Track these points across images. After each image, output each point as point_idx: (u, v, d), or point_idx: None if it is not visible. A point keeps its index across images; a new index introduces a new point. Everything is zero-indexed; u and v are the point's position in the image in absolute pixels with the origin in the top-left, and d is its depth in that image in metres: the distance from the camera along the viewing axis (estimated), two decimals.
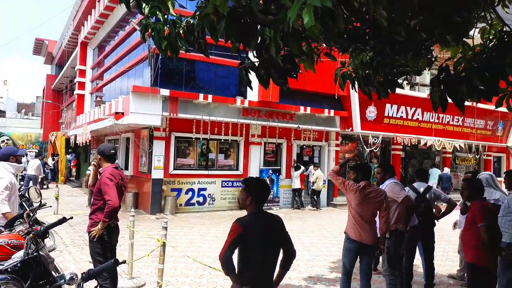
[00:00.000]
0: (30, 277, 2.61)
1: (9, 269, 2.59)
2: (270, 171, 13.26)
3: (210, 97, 11.57)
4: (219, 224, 10.13)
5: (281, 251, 2.88)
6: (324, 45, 3.88)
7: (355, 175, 4.53)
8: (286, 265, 2.92)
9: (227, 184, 12.78)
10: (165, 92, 11.05)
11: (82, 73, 20.93)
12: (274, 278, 2.86)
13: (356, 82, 4.39)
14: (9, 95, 56.32)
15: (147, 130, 11.95)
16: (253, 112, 12.53)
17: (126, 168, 13.72)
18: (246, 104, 12.20)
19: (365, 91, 4.33)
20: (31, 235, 2.79)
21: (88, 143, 16.69)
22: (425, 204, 5.22)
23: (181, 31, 3.57)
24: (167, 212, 11.29)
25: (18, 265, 2.62)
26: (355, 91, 4.53)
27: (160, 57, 11.11)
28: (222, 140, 12.81)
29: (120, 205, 4.28)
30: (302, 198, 13.66)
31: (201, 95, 11.49)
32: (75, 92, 21.28)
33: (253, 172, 12.98)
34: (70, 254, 6.71)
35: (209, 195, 12.47)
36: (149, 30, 3.55)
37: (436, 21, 3.07)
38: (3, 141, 38.63)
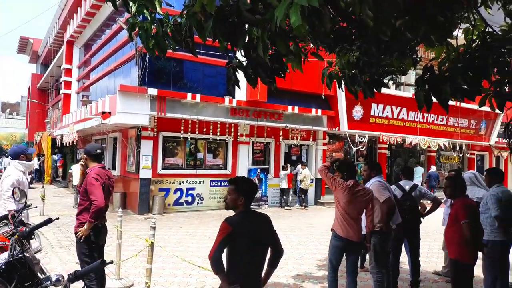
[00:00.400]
0: (15, 279, 2.56)
1: None
2: (259, 170, 13.28)
3: (198, 96, 11.54)
4: (208, 224, 10.11)
5: (269, 249, 2.90)
6: (311, 44, 3.92)
7: (341, 174, 4.57)
8: (273, 263, 2.94)
9: (216, 183, 12.77)
10: (153, 91, 10.97)
11: (68, 72, 20.63)
12: (262, 276, 2.88)
13: (342, 82, 4.44)
14: None
15: (134, 130, 11.86)
16: (241, 111, 12.54)
17: (114, 168, 13.59)
18: (234, 103, 12.20)
19: (351, 90, 4.38)
20: (16, 236, 2.75)
21: (74, 143, 16.48)
22: (410, 202, 5.31)
23: (168, 30, 3.56)
24: (155, 212, 11.22)
25: (3, 267, 2.57)
26: (342, 90, 4.58)
27: (147, 56, 11.03)
28: (211, 140, 12.78)
29: (108, 205, 4.25)
30: (290, 197, 13.73)
31: (189, 95, 11.45)
32: (61, 92, 20.96)
33: (242, 172, 12.99)
34: (57, 255, 6.63)
35: (198, 195, 12.43)
36: (136, 29, 3.53)
37: (420, 22, 3.13)
38: None
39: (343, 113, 13.86)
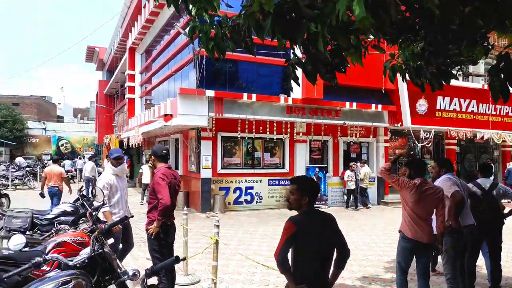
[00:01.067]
0: (96, 272, 2.77)
1: (77, 265, 2.77)
2: (317, 169, 13.10)
3: (254, 96, 11.65)
4: (268, 223, 10.17)
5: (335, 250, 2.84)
6: (371, 37, 3.77)
7: (407, 171, 4.35)
8: (340, 264, 2.87)
9: (274, 182, 12.81)
10: (211, 93, 11.27)
11: (132, 77, 21.88)
12: (329, 277, 2.82)
13: (406, 74, 4.22)
14: (66, 101, 60.23)
15: (194, 131, 12.27)
16: (297, 109, 12.46)
17: (176, 167, 14.18)
18: (290, 102, 12.16)
19: (417, 83, 4.16)
20: (96, 232, 2.96)
21: (140, 145, 17.43)
22: (491, 201, 4.91)
23: (227, 31, 3.61)
24: (216, 210, 11.53)
25: (86, 261, 2.78)
26: (406, 83, 4.36)
27: (204, 59, 11.36)
28: (267, 139, 12.85)
29: (175, 204, 4.42)
30: (358, 197, 13.31)
31: (245, 95, 11.60)
32: (126, 96, 22.30)
33: (299, 170, 12.90)
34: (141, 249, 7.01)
35: (257, 194, 12.56)
36: (196, 32, 3.62)
37: (492, 7, 2.88)
38: (62, 145, 41.46)
39: (405, 108, 13.22)
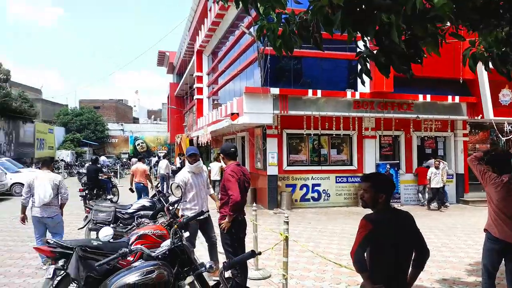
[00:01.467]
0: (176, 264, 2.94)
1: (159, 256, 2.96)
2: (388, 166, 12.57)
3: (319, 92, 11.49)
4: (336, 220, 9.99)
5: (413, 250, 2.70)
6: (448, 24, 3.52)
7: (490, 169, 3.99)
8: (419, 264, 2.73)
9: (342, 179, 12.53)
10: (275, 90, 11.32)
11: (200, 79, 22.75)
12: (407, 278, 2.70)
13: (490, 63, 3.88)
14: (141, 104, 64.43)
15: (260, 129, 12.43)
16: (365, 104, 12.05)
17: (243, 165, 14.40)
18: (357, 96, 11.80)
19: (502, 71, 3.81)
20: (175, 226, 3.14)
21: (208, 143, 18.09)
22: None
23: (294, 28, 3.60)
24: (283, 207, 11.58)
25: (166, 253, 2.97)
26: (489, 72, 4.01)
27: (269, 57, 11.45)
28: (334, 135, 12.60)
29: (245, 200, 4.53)
30: (425, 194, 12.57)
31: (309, 91, 11.48)
32: (194, 97, 23.28)
33: (369, 167, 12.48)
34: (202, 244, 7.33)
35: (324, 191, 12.39)
36: (264, 31, 3.66)
37: None
38: (138, 144, 44.52)
39: (487, 99, 12.14)
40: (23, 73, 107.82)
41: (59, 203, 5.99)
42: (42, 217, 5.77)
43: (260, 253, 2.45)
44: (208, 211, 4.04)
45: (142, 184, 11.12)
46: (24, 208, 5.88)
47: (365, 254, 2.64)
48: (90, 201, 11.48)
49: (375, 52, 3.56)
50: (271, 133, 12.08)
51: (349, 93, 11.73)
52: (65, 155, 34.28)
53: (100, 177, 12.68)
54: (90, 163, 14.50)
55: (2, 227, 9.23)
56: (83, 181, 15.42)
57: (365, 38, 3.30)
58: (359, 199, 2.89)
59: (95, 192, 12.25)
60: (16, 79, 36.54)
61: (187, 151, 5.43)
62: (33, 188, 5.80)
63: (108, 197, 11.98)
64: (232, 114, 11.83)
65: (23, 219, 5.92)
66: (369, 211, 2.73)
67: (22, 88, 35.42)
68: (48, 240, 4.01)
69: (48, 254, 3.82)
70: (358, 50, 3.73)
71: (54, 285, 3.75)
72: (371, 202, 2.71)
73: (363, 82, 3.77)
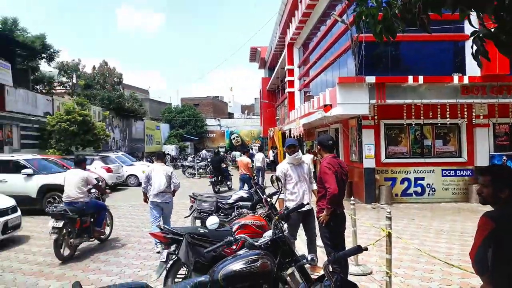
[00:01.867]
0: (278, 254, 3.00)
1: (262, 246, 3.06)
2: (505, 157, 11.16)
3: (421, 78, 10.63)
4: (443, 217, 9.20)
5: None
6: None
7: None
8: None
9: (449, 173, 11.49)
10: (371, 79, 10.79)
11: (291, 72, 22.81)
12: None
13: None
14: (235, 99, 67.18)
15: (355, 120, 12.00)
16: (475, 89, 10.82)
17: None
18: (465, 81, 10.66)
19: None
20: (276, 217, 3.20)
21: (301, 136, 18.08)
22: None
23: (396, 11, 3.38)
24: (382, 202, 11.06)
25: (268, 243, 3.05)
26: None
27: (363, 44, 10.95)
28: (439, 124, 11.58)
29: (343, 193, 4.42)
30: None
31: (410, 78, 10.68)
32: (286, 91, 23.44)
33: (481, 159, 11.24)
34: (299, 236, 7.38)
35: (428, 185, 11.51)
36: (363, 17, 3.50)
37: None
38: (233, 138, 46.57)
39: None
40: (132, 75, 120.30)
41: (172, 191, 6.90)
42: (160, 202, 6.73)
43: (366, 249, 2.36)
44: (308, 203, 4.02)
45: (247, 175, 12.17)
46: (145, 194, 6.96)
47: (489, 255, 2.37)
48: (217, 186, 14.88)
49: (492, 30, 3.16)
50: (367, 124, 11.58)
51: (456, 77, 10.64)
52: (170, 149, 37.39)
53: (222, 167, 15.44)
54: (213, 155, 18.81)
55: (121, 214, 10.43)
56: (209, 170, 18.86)
57: (481, 15, 2.95)
58: (477, 195, 2.60)
59: (219, 178, 15.04)
60: (127, 81, 40.90)
61: (285, 142, 5.48)
62: (151, 178, 6.76)
63: (228, 183, 15.81)
64: (325, 105, 11.62)
65: (145, 200, 7.00)
66: (488, 208, 2.45)
67: (133, 90, 39.61)
68: (161, 227, 4.43)
69: (162, 240, 4.21)
70: (474, 29, 3.35)
71: (167, 268, 4.12)
72: (491, 198, 2.43)
73: (479, 65, 3.37)
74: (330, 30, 15.34)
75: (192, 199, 7.66)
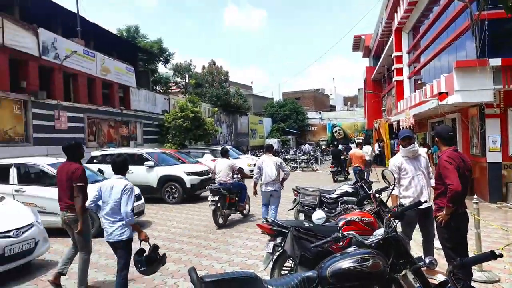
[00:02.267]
0: (391, 254, 2.80)
1: (372, 244, 2.89)
2: None
3: None
4: None
5: None
6: None
7: None
8: None
9: None
10: (496, 61, 9.46)
11: (399, 59, 21.29)
12: None
13: None
14: (337, 91, 65.59)
15: (476, 108, 10.68)
16: None
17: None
18: None
19: None
20: (389, 215, 3.00)
21: (411, 127, 16.82)
22: None
23: None
24: (510, 201, 9.68)
25: (380, 242, 2.87)
26: None
27: (486, 23, 9.64)
28: None
29: (466, 190, 3.96)
30: None
31: None
32: (393, 79, 21.98)
33: None
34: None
35: None
36: None
37: None
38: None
39: None
40: (237, 72, 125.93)
41: (280, 179, 7.52)
42: (270, 191, 7.37)
43: (501, 255, 2.05)
44: (426, 201, 3.67)
45: (359, 168, 12.28)
46: (255, 184, 7.61)
47: None
48: (336, 175, 16.64)
49: None
50: (492, 112, 10.20)
51: None
52: (273, 143, 38.20)
53: (341, 158, 17.31)
54: (334, 147, 21.86)
55: None
56: (330, 161, 20.09)
57: None
58: None
59: (338, 169, 17.01)
60: (232, 78, 42.97)
61: (399, 134, 5.10)
62: (262, 169, 7.41)
63: (346, 174, 17.41)
64: (440, 93, 10.57)
65: (255, 193, 7.74)
66: None
67: (237, 86, 41.47)
68: (268, 219, 4.54)
69: (268, 231, 4.31)
70: None
71: (273, 259, 4.21)
72: None
73: None
74: (445, 10, 13.87)
75: (295, 192, 7.70)
